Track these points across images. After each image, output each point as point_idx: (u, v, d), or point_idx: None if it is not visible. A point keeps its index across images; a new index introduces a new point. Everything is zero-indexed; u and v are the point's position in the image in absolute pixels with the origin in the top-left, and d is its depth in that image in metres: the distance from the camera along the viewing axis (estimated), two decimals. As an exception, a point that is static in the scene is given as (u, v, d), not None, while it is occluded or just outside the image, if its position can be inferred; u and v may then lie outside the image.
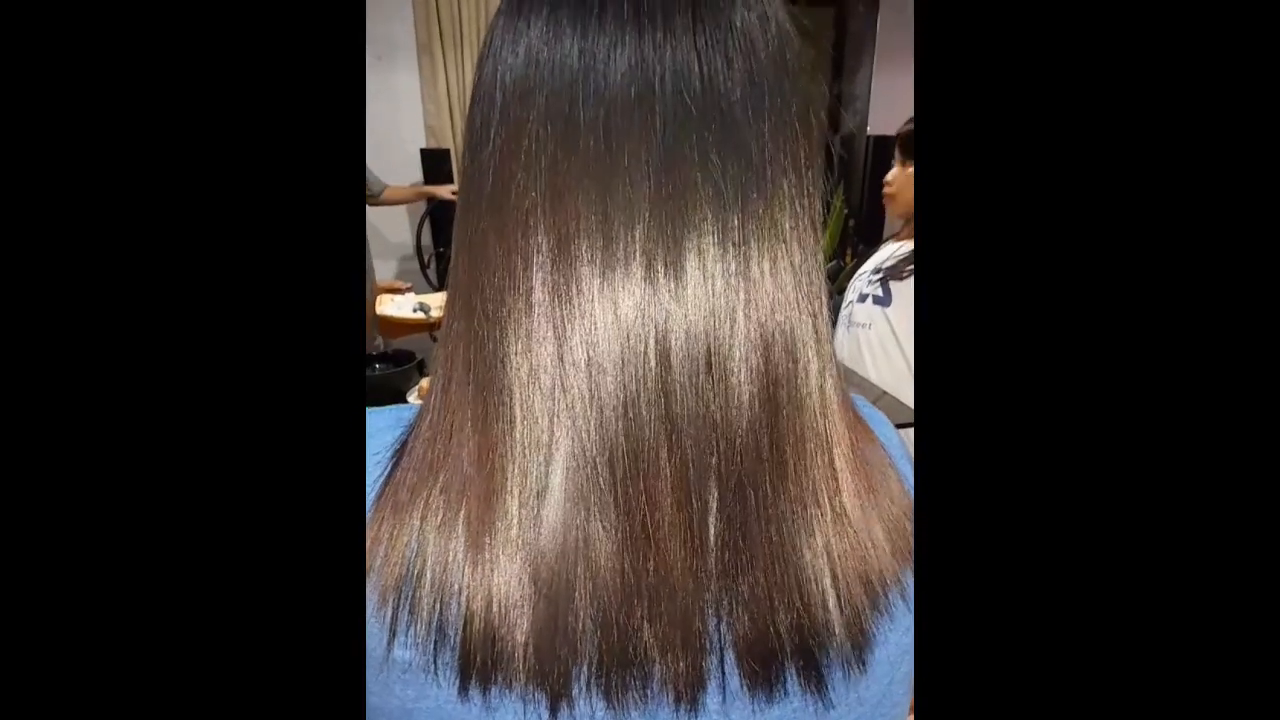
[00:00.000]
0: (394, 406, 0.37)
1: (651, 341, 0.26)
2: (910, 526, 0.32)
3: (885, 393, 1.29)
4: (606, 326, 0.26)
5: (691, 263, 0.26)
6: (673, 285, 0.26)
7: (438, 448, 0.30)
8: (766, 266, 0.27)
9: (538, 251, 0.26)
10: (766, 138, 0.27)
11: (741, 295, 0.26)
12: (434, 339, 1.71)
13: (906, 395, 1.26)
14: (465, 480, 0.28)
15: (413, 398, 1.30)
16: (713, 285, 0.26)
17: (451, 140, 3.03)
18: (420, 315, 1.76)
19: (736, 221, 0.26)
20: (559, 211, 0.26)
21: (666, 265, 0.26)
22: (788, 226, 0.27)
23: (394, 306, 1.84)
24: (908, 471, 0.35)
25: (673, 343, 0.26)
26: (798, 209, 0.28)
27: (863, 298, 1.34)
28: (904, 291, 1.27)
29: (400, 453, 0.32)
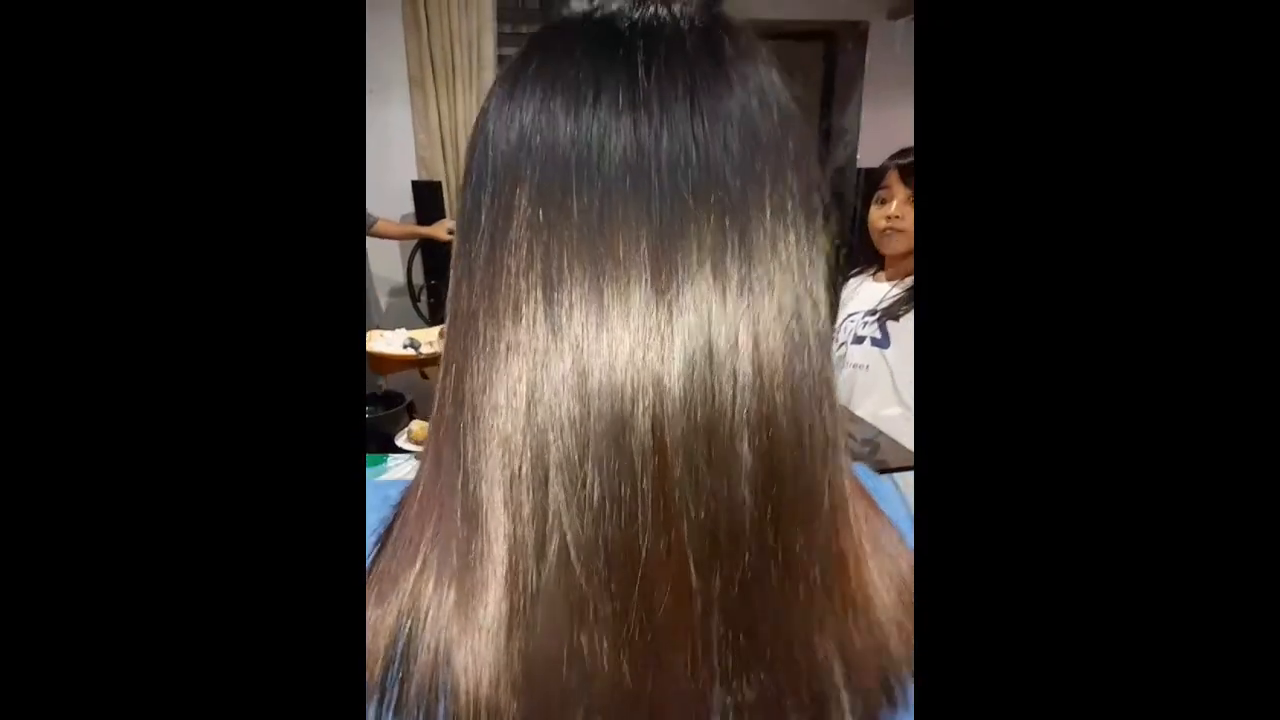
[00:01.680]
0: (380, 481, 0.35)
1: (649, 430, 0.24)
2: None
3: (880, 432, 1.27)
4: (599, 417, 0.24)
5: (698, 349, 0.25)
6: (673, 370, 0.24)
7: (423, 539, 0.28)
8: (774, 345, 0.25)
9: (529, 334, 0.25)
10: (768, 222, 0.25)
11: (747, 378, 0.25)
12: (424, 376, 1.67)
13: (904, 436, 1.25)
14: (452, 576, 0.27)
15: (401, 440, 1.26)
16: (717, 370, 0.25)
17: (443, 172, 3.03)
18: (410, 351, 1.73)
19: (745, 305, 0.25)
20: (551, 301, 0.25)
21: (664, 352, 0.24)
22: (790, 301, 0.26)
23: (383, 342, 1.81)
24: None
25: (667, 429, 0.24)
26: (801, 288, 0.27)
27: (859, 340, 1.33)
28: (900, 332, 1.26)
29: (385, 538, 0.31)
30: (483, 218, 0.26)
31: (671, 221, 0.25)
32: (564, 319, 0.25)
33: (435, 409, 0.30)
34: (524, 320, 0.25)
